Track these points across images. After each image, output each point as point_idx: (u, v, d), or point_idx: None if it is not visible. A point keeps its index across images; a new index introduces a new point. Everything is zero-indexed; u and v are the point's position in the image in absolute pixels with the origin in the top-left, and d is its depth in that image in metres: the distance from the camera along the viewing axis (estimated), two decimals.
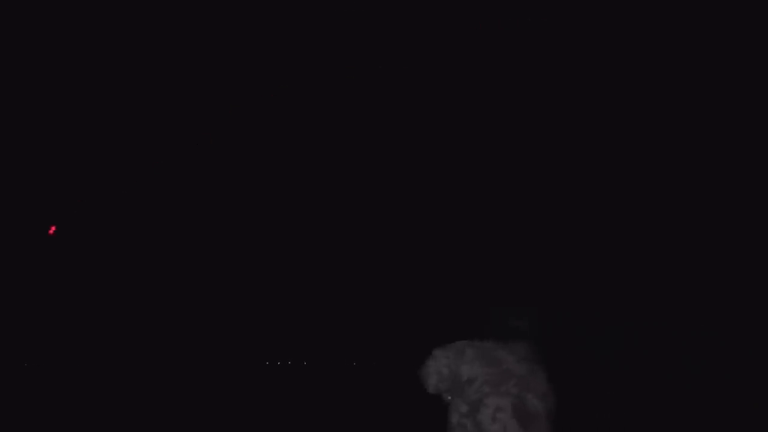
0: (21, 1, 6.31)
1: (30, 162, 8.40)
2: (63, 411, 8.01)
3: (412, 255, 9.62)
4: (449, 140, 8.26)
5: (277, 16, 6.64)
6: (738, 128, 7.05)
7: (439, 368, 2.07)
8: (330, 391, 9.43)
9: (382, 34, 6.80)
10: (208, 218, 10.04)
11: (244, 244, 10.41)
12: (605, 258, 7.85)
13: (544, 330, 2.19)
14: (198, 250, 10.48)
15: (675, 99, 7.08)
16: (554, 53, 6.89)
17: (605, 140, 7.52)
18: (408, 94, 7.74)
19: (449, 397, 2.09)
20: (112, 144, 8.47)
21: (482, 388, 2.01)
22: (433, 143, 8.34)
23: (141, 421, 7.68)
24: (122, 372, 10.75)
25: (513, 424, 1.96)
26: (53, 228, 8.79)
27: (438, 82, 7.51)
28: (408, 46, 6.90)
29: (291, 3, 6.55)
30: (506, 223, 8.58)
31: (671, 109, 7.21)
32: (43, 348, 10.69)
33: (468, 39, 6.72)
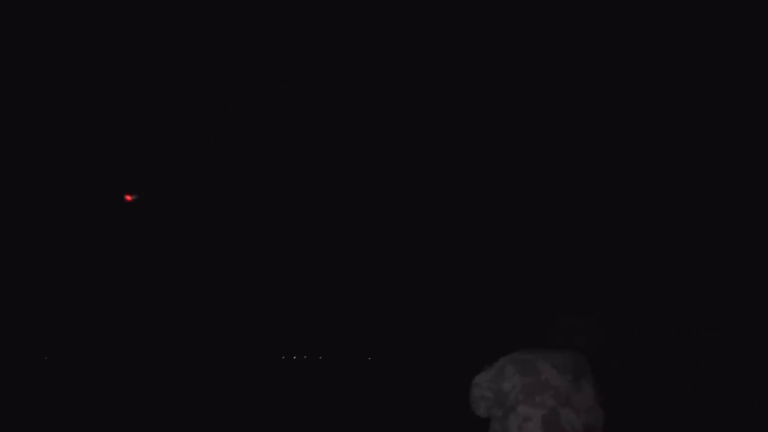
0: (21, 1, 6.30)
1: (29, 162, 8.40)
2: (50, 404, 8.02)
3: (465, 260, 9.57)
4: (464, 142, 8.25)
5: (276, 16, 6.63)
6: (737, 129, 7.05)
7: (483, 394, 2.06)
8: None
9: (382, 33, 6.79)
10: (210, 214, 10.04)
11: (255, 240, 10.42)
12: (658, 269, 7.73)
13: (596, 342, 2.13)
14: (200, 247, 10.48)
15: (675, 99, 7.08)
16: (554, 53, 6.88)
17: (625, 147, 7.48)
18: (408, 94, 7.74)
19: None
20: (111, 144, 8.47)
21: (517, 396, 1.98)
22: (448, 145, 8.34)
23: (140, 416, 7.68)
24: (123, 368, 10.77)
25: None
26: (129, 196, 8.74)
27: (438, 82, 7.51)
28: (408, 46, 6.89)
29: (291, 3, 6.54)
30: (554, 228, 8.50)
31: (671, 110, 7.21)
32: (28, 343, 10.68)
33: (468, 39, 6.71)
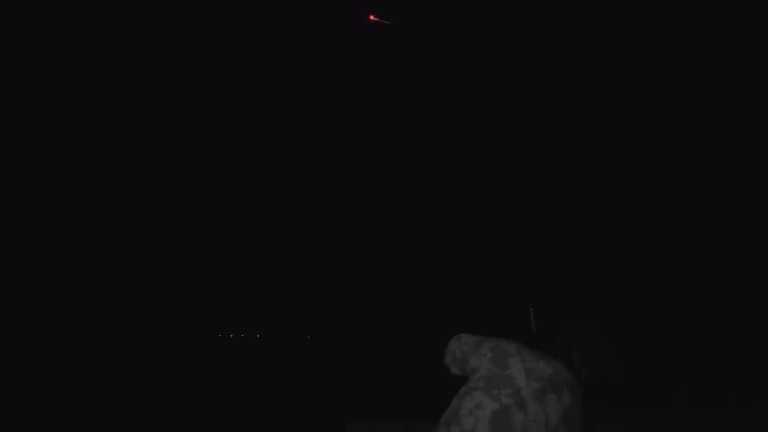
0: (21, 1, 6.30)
1: (30, 162, 8.40)
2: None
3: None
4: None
5: (276, 16, 6.63)
6: (735, 130, 7.04)
7: (455, 350, 2.18)
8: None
9: (381, 34, 6.78)
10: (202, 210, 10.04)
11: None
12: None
13: (595, 367, 2.03)
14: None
15: (673, 99, 7.07)
16: (554, 53, 6.87)
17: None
18: (408, 94, 7.73)
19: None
20: (110, 143, 8.47)
21: (479, 381, 1.99)
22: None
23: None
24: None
25: (484, 425, 1.88)
26: (372, 16, 8.53)
27: (438, 81, 7.50)
28: (407, 46, 6.88)
29: (291, 3, 6.54)
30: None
31: (670, 111, 7.20)
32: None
33: (467, 39, 6.70)
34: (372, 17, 8.38)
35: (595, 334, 2.07)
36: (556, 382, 1.95)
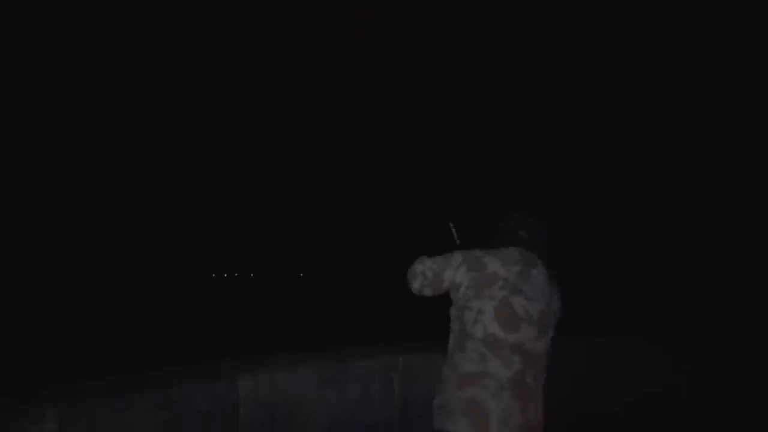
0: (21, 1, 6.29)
1: (29, 162, 8.38)
2: None
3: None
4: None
5: (276, 16, 6.62)
6: (734, 132, 7.05)
7: (424, 270, 2.12)
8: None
9: (381, 33, 6.78)
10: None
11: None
12: None
13: (541, 237, 2.16)
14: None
15: (673, 100, 7.07)
16: (553, 53, 6.88)
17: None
18: (408, 94, 7.73)
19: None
20: (108, 143, 8.46)
21: (467, 292, 2.02)
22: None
23: None
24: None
25: (494, 325, 1.97)
26: None
27: (438, 82, 7.50)
28: (407, 46, 6.88)
29: (291, 4, 6.54)
30: None
31: (671, 112, 7.21)
32: None
33: (467, 39, 6.71)
34: None
35: (529, 211, 2.21)
36: (527, 259, 2.08)
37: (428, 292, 2.15)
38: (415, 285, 2.15)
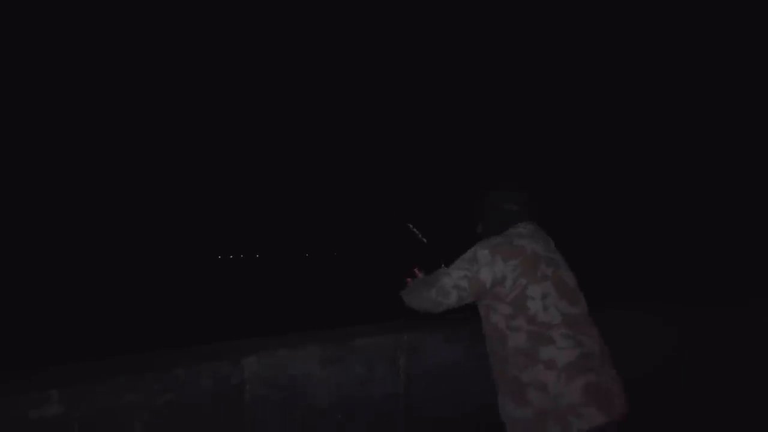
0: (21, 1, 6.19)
1: (29, 161, 8.34)
2: None
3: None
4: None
5: (276, 16, 6.52)
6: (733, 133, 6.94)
7: (456, 283, 1.97)
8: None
9: (381, 33, 6.67)
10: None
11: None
12: None
13: (533, 207, 2.14)
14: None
15: (673, 101, 6.97)
16: (553, 53, 6.77)
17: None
18: (408, 94, 7.63)
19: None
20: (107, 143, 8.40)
21: (520, 281, 1.91)
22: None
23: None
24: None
25: (563, 304, 1.90)
26: None
27: (438, 81, 7.40)
28: (407, 46, 6.78)
29: (290, 4, 6.42)
30: None
31: (671, 113, 7.10)
32: None
33: (467, 39, 6.59)
34: None
35: (506, 186, 2.18)
36: (539, 231, 2.07)
37: (467, 301, 2.01)
38: (451, 301, 1.99)
